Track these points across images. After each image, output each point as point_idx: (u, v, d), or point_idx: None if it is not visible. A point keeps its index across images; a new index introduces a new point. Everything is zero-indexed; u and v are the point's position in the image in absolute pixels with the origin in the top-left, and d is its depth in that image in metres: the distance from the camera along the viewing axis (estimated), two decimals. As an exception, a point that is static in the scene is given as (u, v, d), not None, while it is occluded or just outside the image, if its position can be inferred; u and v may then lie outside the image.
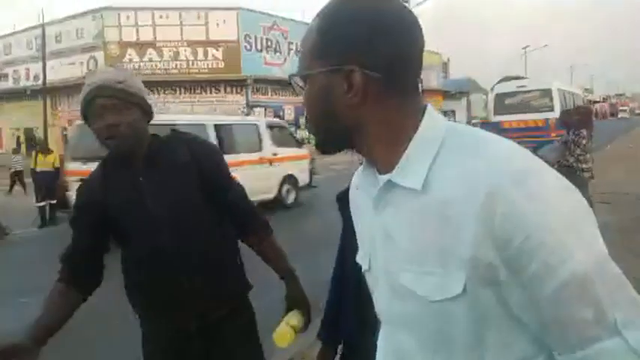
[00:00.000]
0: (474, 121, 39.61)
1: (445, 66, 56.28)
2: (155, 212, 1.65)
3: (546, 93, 14.68)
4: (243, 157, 9.69)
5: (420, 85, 0.84)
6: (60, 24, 30.05)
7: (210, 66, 29.87)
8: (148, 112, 1.70)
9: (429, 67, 46.46)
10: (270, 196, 10.45)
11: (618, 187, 10.49)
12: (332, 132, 0.84)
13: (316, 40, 0.80)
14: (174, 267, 1.65)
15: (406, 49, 0.79)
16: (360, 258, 0.94)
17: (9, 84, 34.18)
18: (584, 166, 5.63)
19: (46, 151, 11.18)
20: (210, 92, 29.95)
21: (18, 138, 31.66)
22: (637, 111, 48.03)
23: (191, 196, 1.69)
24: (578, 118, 5.83)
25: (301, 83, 0.85)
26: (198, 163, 1.71)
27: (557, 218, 0.67)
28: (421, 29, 0.81)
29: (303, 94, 0.85)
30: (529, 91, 15.25)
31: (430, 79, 45.76)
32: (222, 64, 29.79)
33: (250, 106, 29.75)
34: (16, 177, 16.04)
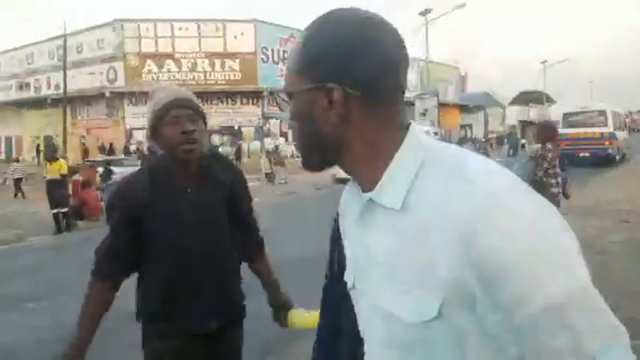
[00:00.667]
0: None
1: (462, 79, 56.15)
2: (193, 221, 1.80)
3: (602, 113, 19.39)
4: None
5: (403, 103, 0.84)
6: (81, 35, 30.74)
7: (227, 77, 30.22)
8: (206, 126, 1.89)
9: (446, 80, 46.40)
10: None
11: (636, 205, 10.26)
12: (315, 149, 0.84)
13: (299, 58, 0.81)
14: (200, 267, 1.80)
15: (387, 68, 0.78)
16: (347, 275, 0.93)
17: (30, 93, 34.97)
18: (553, 180, 5.55)
19: (53, 159, 11.10)
20: (227, 103, 30.26)
21: (37, 145, 32.24)
22: None
23: (223, 212, 1.89)
24: (543, 132, 5.79)
25: (286, 100, 0.85)
26: (232, 186, 1.94)
27: (531, 246, 0.65)
28: (405, 48, 0.82)
29: (288, 111, 0.85)
30: (589, 111, 19.83)
31: (447, 92, 45.63)
32: (239, 76, 30.12)
33: (266, 118, 29.95)
34: (18, 184, 17.07)
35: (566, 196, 5.96)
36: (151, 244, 1.81)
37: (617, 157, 18.34)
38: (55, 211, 10.67)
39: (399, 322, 0.76)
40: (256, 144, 29.55)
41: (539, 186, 5.29)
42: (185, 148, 1.73)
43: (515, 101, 70.47)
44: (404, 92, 0.83)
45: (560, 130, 14.32)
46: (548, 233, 0.66)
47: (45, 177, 11.00)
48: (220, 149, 28.66)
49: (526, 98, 68.66)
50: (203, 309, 1.82)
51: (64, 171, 10.94)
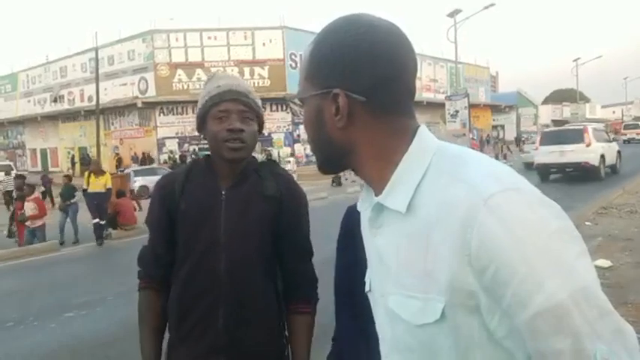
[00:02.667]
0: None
1: (494, 79, 55.23)
2: (223, 231, 1.54)
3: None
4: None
5: (412, 107, 0.84)
6: (112, 47, 31.56)
7: (256, 84, 30.46)
8: (260, 128, 1.65)
9: (477, 80, 45.73)
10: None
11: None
12: (327, 153, 0.87)
13: (308, 65, 0.84)
14: (215, 296, 1.53)
15: (392, 73, 0.79)
16: (366, 277, 0.95)
17: (64, 105, 36.05)
18: None
19: (99, 172, 11.12)
20: (256, 110, 30.46)
21: (72, 157, 33.20)
22: None
23: (260, 229, 1.57)
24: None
25: (300, 105, 0.89)
26: (281, 203, 1.60)
27: (530, 246, 0.64)
28: (412, 52, 0.82)
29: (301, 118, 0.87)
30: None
31: (479, 93, 44.98)
32: (267, 83, 30.36)
33: (296, 124, 30.08)
34: (8, 196, 16.70)
35: None
36: (178, 244, 1.62)
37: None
38: (95, 221, 10.68)
39: (405, 324, 0.77)
40: (287, 150, 29.70)
41: None
42: (230, 146, 1.52)
43: (547, 100, 68.90)
44: (413, 97, 0.83)
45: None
46: (546, 234, 0.65)
47: (85, 189, 10.86)
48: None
49: (559, 97, 67.02)
50: (212, 340, 1.54)
51: (110, 185, 11.03)
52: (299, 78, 0.88)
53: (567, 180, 15.97)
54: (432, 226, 0.72)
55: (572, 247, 0.67)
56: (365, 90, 0.78)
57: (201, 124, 1.60)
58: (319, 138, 0.85)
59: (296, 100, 0.89)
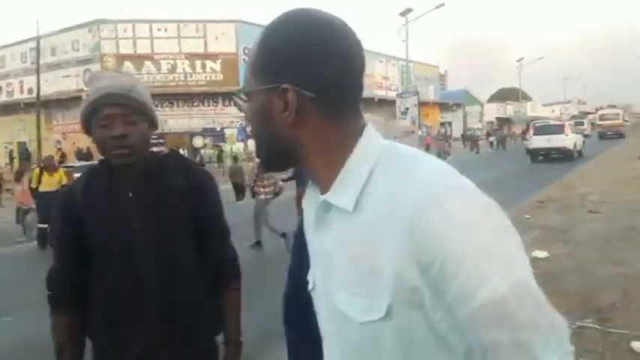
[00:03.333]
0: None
1: (443, 78, 56.69)
2: (138, 234, 1.51)
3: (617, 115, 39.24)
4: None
5: (360, 105, 0.85)
6: (55, 36, 30.16)
7: (208, 78, 30.05)
8: (154, 123, 1.59)
9: (427, 79, 46.81)
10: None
11: (608, 196, 10.59)
12: (272, 149, 0.85)
13: (256, 59, 0.82)
14: (145, 287, 1.51)
15: (342, 71, 0.79)
16: (309, 276, 0.94)
17: (2, 97, 34.24)
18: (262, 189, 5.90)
19: (52, 168, 9.85)
20: (208, 105, 30.10)
21: (10, 152, 31.60)
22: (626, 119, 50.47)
23: (177, 224, 1.56)
24: None
25: (245, 100, 0.86)
26: (195, 193, 1.60)
27: (475, 241, 0.67)
28: (361, 50, 0.82)
29: (246, 112, 0.87)
30: (610, 113, 40.59)
31: (428, 91, 46.04)
32: (220, 77, 29.98)
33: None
34: None
35: None
36: (94, 257, 1.55)
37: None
38: (42, 226, 9.49)
39: (351, 321, 0.78)
40: (239, 146, 29.48)
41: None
42: (116, 153, 1.48)
43: (493, 98, 71.40)
44: (361, 95, 0.84)
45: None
46: (489, 231, 0.69)
47: (37, 189, 9.61)
48: (202, 152, 28.59)
49: (503, 95, 69.61)
50: (146, 338, 1.51)
51: (65, 181, 9.59)
52: (245, 72, 0.85)
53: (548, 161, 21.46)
54: (378, 223, 0.73)
55: (511, 241, 0.70)
56: (314, 86, 0.77)
57: (87, 129, 1.53)
58: (265, 134, 0.84)
59: (242, 95, 0.86)
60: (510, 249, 0.69)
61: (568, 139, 21.73)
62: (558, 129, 22.28)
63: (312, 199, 0.89)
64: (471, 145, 34.45)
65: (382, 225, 0.72)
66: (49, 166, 9.92)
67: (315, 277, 0.90)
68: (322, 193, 0.83)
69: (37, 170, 9.92)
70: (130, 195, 1.53)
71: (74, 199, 1.56)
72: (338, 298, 0.80)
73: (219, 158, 24.94)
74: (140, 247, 1.50)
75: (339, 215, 0.79)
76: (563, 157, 21.27)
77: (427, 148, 32.18)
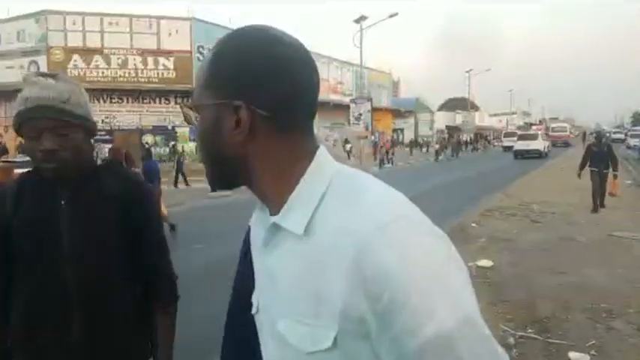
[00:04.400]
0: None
1: (395, 85, 57.70)
2: (67, 242, 1.46)
3: (564, 127, 53.03)
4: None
5: (313, 125, 0.84)
6: (-1, 25, 28.79)
7: (160, 75, 29.36)
8: (91, 131, 1.53)
9: (380, 86, 47.54)
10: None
11: (549, 206, 11.15)
12: (220, 167, 0.83)
13: (208, 72, 0.79)
14: (67, 311, 1.45)
15: (297, 91, 0.78)
16: (253, 298, 0.92)
17: (-60, 86, 32.26)
18: None
19: None
20: (160, 102, 29.43)
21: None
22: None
23: (109, 235, 1.51)
24: None
25: (194, 114, 0.84)
26: (126, 202, 1.54)
27: (423, 275, 0.66)
28: (316, 71, 0.82)
29: (195, 126, 0.84)
30: (559, 126, 53.21)
31: (381, 98, 46.79)
32: (173, 74, 29.35)
33: (201, 118, 29.40)
34: None
35: None
36: (17, 265, 1.49)
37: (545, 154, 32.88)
38: None
39: (294, 350, 0.76)
40: (192, 145, 28.99)
41: None
42: (44, 167, 1.43)
43: (443, 107, 73.38)
44: (314, 116, 0.83)
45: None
46: (437, 264, 0.68)
47: None
48: (153, 150, 27.90)
49: (453, 105, 71.68)
50: (68, 354, 1.45)
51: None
52: (196, 84, 0.83)
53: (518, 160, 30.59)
54: (326, 250, 0.71)
55: (459, 275, 0.69)
56: (267, 105, 0.75)
57: (22, 136, 1.46)
58: (214, 150, 0.81)
59: (189, 109, 0.84)
60: (458, 283, 0.69)
61: (540, 144, 33.38)
62: (533, 137, 34.64)
63: (259, 218, 0.88)
64: (436, 152, 34.91)
65: (330, 252, 0.71)
66: None
67: (259, 300, 0.88)
68: (271, 214, 0.81)
69: None
70: (63, 203, 1.48)
71: (3, 207, 1.49)
72: (282, 325, 0.78)
73: (172, 157, 24.27)
74: (65, 258, 1.44)
75: (288, 238, 0.77)
76: (537, 155, 31.43)
77: (387, 152, 32.78)
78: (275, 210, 0.80)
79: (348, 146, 33.01)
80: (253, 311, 0.90)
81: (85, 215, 1.49)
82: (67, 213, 1.47)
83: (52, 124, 1.39)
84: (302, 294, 0.74)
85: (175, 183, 17.87)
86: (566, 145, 46.76)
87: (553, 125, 57.07)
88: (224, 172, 0.83)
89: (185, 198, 13.33)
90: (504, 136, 45.12)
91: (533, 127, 56.32)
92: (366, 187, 0.76)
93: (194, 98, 0.83)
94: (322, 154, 0.81)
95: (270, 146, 0.78)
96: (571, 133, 57.08)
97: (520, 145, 33.28)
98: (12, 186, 1.55)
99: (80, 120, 1.45)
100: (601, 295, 5.09)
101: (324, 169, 0.79)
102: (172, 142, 26.85)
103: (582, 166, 11.29)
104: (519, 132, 39.19)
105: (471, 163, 27.91)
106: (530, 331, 4.29)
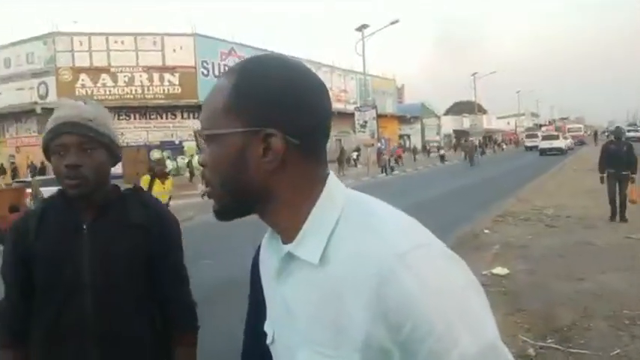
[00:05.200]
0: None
1: (400, 91, 57.71)
2: (87, 269, 1.46)
3: (580, 128, 64.94)
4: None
5: (326, 153, 0.83)
6: (9, 48, 29.26)
7: (166, 91, 29.64)
8: (114, 155, 1.55)
9: (384, 92, 47.58)
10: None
11: (563, 210, 10.98)
12: (240, 197, 0.78)
13: (231, 97, 0.75)
14: (84, 339, 1.46)
15: (319, 116, 0.78)
16: (266, 327, 0.90)
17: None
18: None
19: (164, 175, 7.95)
20: (167, 118, 29.66)
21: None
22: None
23: (130, 263, 1.50)
24: None
25: (204, 141, 0.79)
26: (149, 230, 1.54)
27: (445, 302, 0.66)
28: (329, 97, 0.83)
29: (206, 153, 0.79)
30: (575, 127, 64.50)
31: (386, 104, 46.81)
32: (178, 90, 29.63)
33: (208, 132, 29.59)
34: None
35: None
36: (37, 290, 1.49)
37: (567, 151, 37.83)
38: None
39: None
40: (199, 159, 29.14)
41: None
42: (68, 183, 1.44)
43: (449, 111, 73.18)
44: (327, 142, 0.83)
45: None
46: (459, 291, 0.68)
47: None
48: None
49: (459, 108, 71.46)
50: None
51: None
52: (210, 108, 0.78)
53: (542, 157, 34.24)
54: (344, 279, 0.70)
55: (478, 299, 0.69)
56: (297, 133, 0.74)
57: (48, 157, 1.50)
58: (235, 180, 0.77)
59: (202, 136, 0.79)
60: (478, 307, 0.69)
61: (561, 142, 39.35)
62: (555, 137, 40.61)
63: (271, 247, 0.85)
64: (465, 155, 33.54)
65: (349, 282, 0.70)
66: (160, 173, 7.82)
67: (274, 330, 0.86)
68: (284, 242, 0.79)
69: (148, 177, 7.82)
70: (84, 227, 1.48)
71: (26, 232, 1.50)
72: (302, 357, 0.76)
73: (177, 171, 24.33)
74: (85, 284, 1.45)
75: (303, 267, 0.75)
76: (559, 152, 36.62)
77: (397, 158, 32.59)
78: (288, 238, 0.78)
79: (354, 154, 33.01)
80: (268, 341, 0.88)
81: (106, 242, 1.48)
82: (88, 239, 1.48)
83: (77, 139, 1.44)
84: (320, 324, 0.73)
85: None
86: (582, 143, 52.03)
87: (569, 126, 64.88)
88: (242, 202, 0.79)
89: (194, 213, 13.34)
90: (526, 137, 51.01)
91: (543, 128, 58.10)
92: (379, 215, 0.75)
93: (210, 124, 0.78)
94: (332, 180, 0.80)
95: (295, 174, 0.77)
96: (585, 132, 63.30)
97: (544, 145, 39.42)
98: (36, 210, 1.57)
99: (104, 139, 1.48)
100: (622, 301, 4.97)
101: (336, 195, 0.78)
102: (183, 157, 26.94)
103: (603, 168, 9.70)
104: (542, 133, 45.53)
105: (496, 165, 27.62)
106: (550, 341, 4.19)
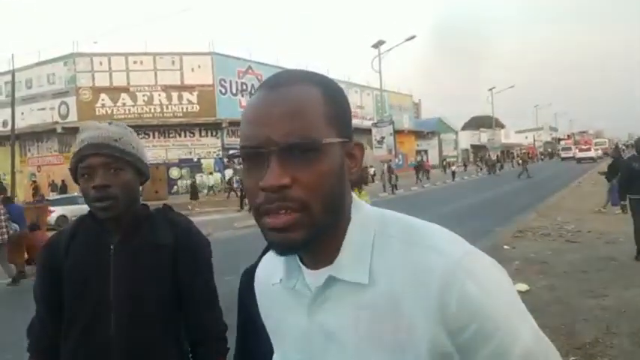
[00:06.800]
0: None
1: (417, 107, 57.69)
2: (113, 290, 1.44)
3: (604, 142, 72.75)
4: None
5: None
6: (30, 69, 29.98)
7: (184, 110, 30.02)
8: (143, 173, 1.54)
9: (401, 108, 47.59)
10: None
11: (584, 225, 10.77)
12: (339, 215, 0.74)
13: (328, 106, 0.72)
14: (113, 355, 1.44)
15: None
16: (283, 358, 0.88)
17: (-23, 130, 33.56)
18: None
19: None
20: (185, 136, 30.00)
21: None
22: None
23: (157, 284, 1.48)
24: None
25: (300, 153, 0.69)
26: (178, 251, 1.51)
27: (503, 303, 0.70)
28: None
29: (299, 169, 0.69)
30: (600, 141, 72.30)
31: (403, 120, 46.80)
32: (197, 108, 29.99)
33: (226, 149, 29.85)
34: None
35: None
36: (64, 309, 1.48)
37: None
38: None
39: None
40: (217, 176, 29.36)
41: None
42: (98, 206, 1.42)
43: (466, 126, 72.81)
44: None
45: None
46: (509, 290, 0.73)
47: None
48: (179, 183, 28.35)
49: (477, 123, 71.04)
50: None
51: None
52: (305, 117, 0.70)
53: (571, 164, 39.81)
54: (399, 294, 0.71)
55: (519, 298, 0.74)
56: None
57: (76, 180, 1.49)
58: (340, 195, 0.73)
59: (303, 142, 0.69)
60: (522, 304, 0.73)
61: (593, 153, 49.39)
62: (589, 149, 51.29)
63: (293, 274, 0.81)
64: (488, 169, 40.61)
65: (405, 296, 0.70)
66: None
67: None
68: (311, 267, 0.77)
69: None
70: (112, 247, 1.47)
71: (57, 251, 1.51)
72: None
73: (193, 189, 24.51)
74: (109, 305, 1.43)
75: (345, 290, 0.74)
76: (592, 161, 46.17)
77: (427, 171, 32.72)
78: (321, 261, 0.76)
79: (372, 170, 32.91)
80: None
81: (133, 262, 1.47)
82: (115, 259, 1.47)
83: (104, 160, 1.42)
84: (377, 343, 0.72)
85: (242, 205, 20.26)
86: (607, 154, 66.43)
87: (596, 140, 73.27)
88: (337, 218, 0.74)
89: (212, 229, 13.40)
90: (562, 150, 63.49)
91: (562, 142, 66.37)
92: (420, 228, 0.76)
93: (310, 133, 0.69)
94: (354, 196, 0.79)
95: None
96: (609, 146, 70.15)
97: (580, 155, 51.35)
98: (68, 229, 1.57)
99: (131, 158, 1.48)
100: (646, 318, 4.83)
101: (367, 212, 0.78)
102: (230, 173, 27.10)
103: (623, 194, 7.70)
104: (576, 147, 59.13)
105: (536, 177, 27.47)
106: (573, 358, 4.07)
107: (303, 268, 0.79)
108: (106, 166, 1.42)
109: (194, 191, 24.04)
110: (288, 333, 0.84)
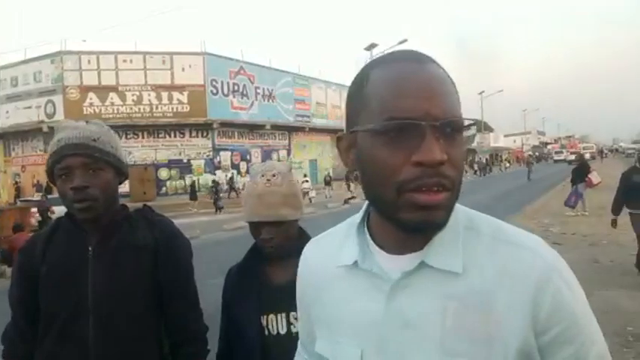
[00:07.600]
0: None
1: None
2: (91, 293, 1.41)
3: (592, 146, 73.15)
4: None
5: None
6: (16, 67, 29.48)
7: (174, 110, 29.82)
8: (122, 173, 1.51)
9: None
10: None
11: (568, 227, 10.87)
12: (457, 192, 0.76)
13: (455, 87, 0.74)
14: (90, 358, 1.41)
15: None
16: (331, 349, 0.82)
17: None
18: None
19: None
20: (175, 136, 29.81)
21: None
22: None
23: (136, 285, 1.45)
24: None
25: (455, 132, 0.70)
26: (158, 252, 1.48)
27: (585, 308, 0.74)
28: None
29: (452, 146, 0.69)
30: (588, 145, 73.32)
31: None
32: (187, 108, 29.79)
33: (216, 150, 29.73)
34: None
35: None
36: (40, 313, 1.45)
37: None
38: None
39: None
40: (207, 177, 29.23)
41: None
42: (77, 207, 1.39)
43: (457, 130, 73.12)
44: None
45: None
46: (584, 295, 0.76)
47: None
48: (168, 183, 28.20)
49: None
50: None
51: None
52: (452, 97, 0.71)
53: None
54: (491, 288, 0.71)
55: None
56: None
57: (53, 182, 1.46)
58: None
59: (453, 122, 0.70)
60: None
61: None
62: (578, 152, 50.00)
63: (367, 256, 0.79)
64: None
65: (497, 291, 0.71)
66: None
67: (364, 351, 0.77)
68: (393, 252, 0.76)
69: None
70: (90, 249, 1.44)
71: (32, 255, 1.47)
72: None
73: (193, 189, 24.28)
74: (87, 308, 1.40)
75: (433, 277, 0.73)
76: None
77: None
78: (408, 247, 0.76)
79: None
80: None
81: (112, 264, 1.44)
82: (93, 262, 1.43)
83: (81, 160, 1.39)
84: (466, 335, 0.71)
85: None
86: (593, 158, 60.85)
87: (583, 145, 73.88)
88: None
89: (200, 232, 13.31)
90: (555, 153, 66.03)
91: (549, 147, 65.53)
92: (506, 227, 0.78)
93: (458, 112, 0.71)
94: None
95: None
96: (594, 150, 71.85)
97: (571, 157, 49.55)
98: (45, 231, 1.53)
99: (110, 158, 1.45)
100: (628, 318, 4.88)
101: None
102: (190, 175, 26.94)
103: (618, 208, 6.86)
104: (568, 150, 61.48)
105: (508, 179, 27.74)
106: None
107: (380, 251, 0.78)
108: (84, 166, 1.39)
109: (193, 192, 23.88)
110: (350, 319, 0.80)
